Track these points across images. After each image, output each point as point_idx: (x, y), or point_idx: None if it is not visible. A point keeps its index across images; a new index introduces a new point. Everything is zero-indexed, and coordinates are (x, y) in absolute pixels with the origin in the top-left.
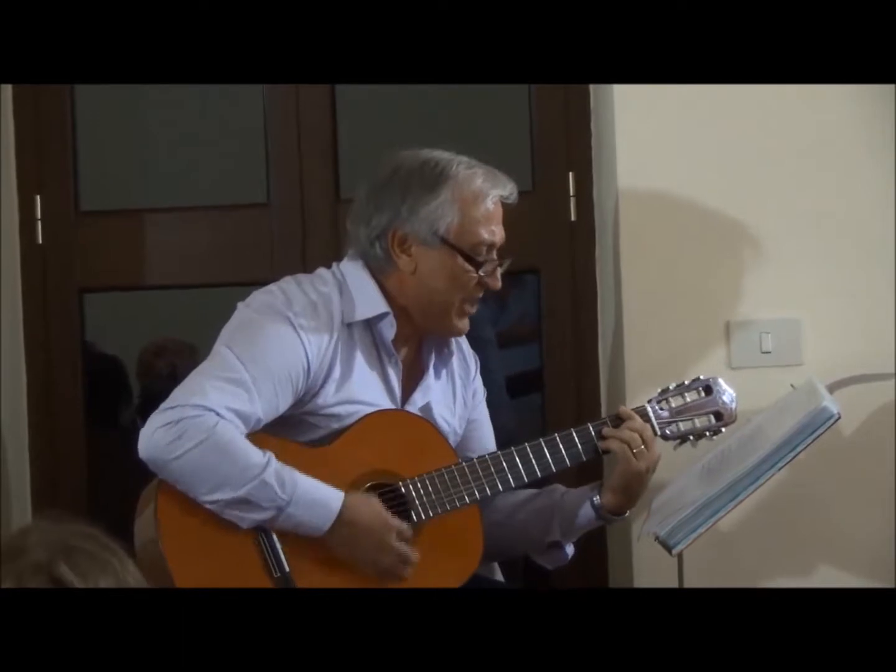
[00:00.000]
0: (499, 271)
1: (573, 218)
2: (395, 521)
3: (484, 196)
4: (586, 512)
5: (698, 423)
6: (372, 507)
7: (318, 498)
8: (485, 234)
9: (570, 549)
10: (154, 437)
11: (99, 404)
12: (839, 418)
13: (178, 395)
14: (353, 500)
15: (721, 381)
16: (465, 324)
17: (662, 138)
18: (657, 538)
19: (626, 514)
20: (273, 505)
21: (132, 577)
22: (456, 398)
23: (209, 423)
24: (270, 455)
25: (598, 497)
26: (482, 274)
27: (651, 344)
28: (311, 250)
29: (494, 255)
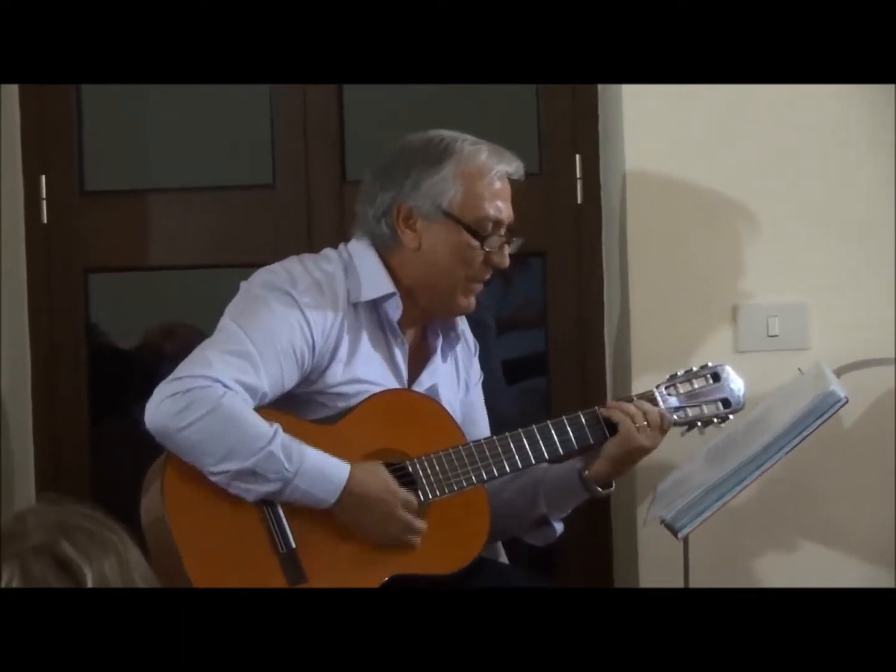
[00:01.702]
0: (506, 249)
1: (579, 201)
2: (402, 492)
3: (488, 170)
4: (572, 483)
5: (706, 409)
6: (378, 478)
7: (325, 470)
8: (489, 210)
9: (558, 526)
10: (161, 407)
11: (103, 385)
12: (846, 402)
13: (185, 367)
14: (360, 471)
15: (729, 368)
16: (470, 302)
17: (669, 121)
18: (663, 521)
19: (612, 488)
20: (280, 477)
21: (133, 555)
22: (459, 380)
23: (216, 393)
24: (277, 427)
25: (585, 468)
26: (487, 249)
27: (657, 328)
28: (316, 232)
29: (502, 232)
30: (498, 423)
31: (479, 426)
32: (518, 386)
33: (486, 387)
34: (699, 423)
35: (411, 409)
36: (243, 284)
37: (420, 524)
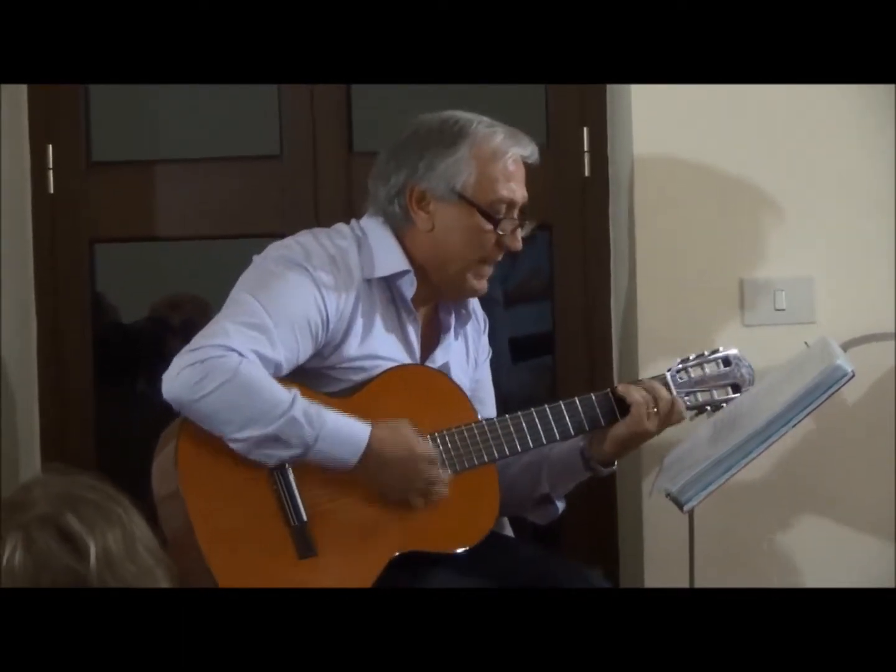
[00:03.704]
0: (519, 232)
1: (587, 174)
2: (423, 446)
3: (503, 153)
4: (574, 462)
5: (716, 394)
6: (399, 435)
7: (345, 432)
8: (503, 192)
9: (560, 504)
10: (179, 378)
11: (109, 356)
12: (853, 376)
13: (201, 337)
14: (381, 431)
15: (739, 353)
16: (482, 284)
17: (678, 94)
18: (668, 494)
19: (615, 468)
20: (301, 442)
21: (138, 528)
22: (469, 357)
23: (233, 363)
24: (296, 392)
25: (587, 448)
26: (500, 233)
27: (664, 302)
28: (323, 202)
29: (515, 215)
30: (503, 399)
31: (486, 404)
32: (524, 362)
33: (493, 363)
34: (708, 408)
35: (426, 384)
36: (256, 258)
37: (444, 475)
